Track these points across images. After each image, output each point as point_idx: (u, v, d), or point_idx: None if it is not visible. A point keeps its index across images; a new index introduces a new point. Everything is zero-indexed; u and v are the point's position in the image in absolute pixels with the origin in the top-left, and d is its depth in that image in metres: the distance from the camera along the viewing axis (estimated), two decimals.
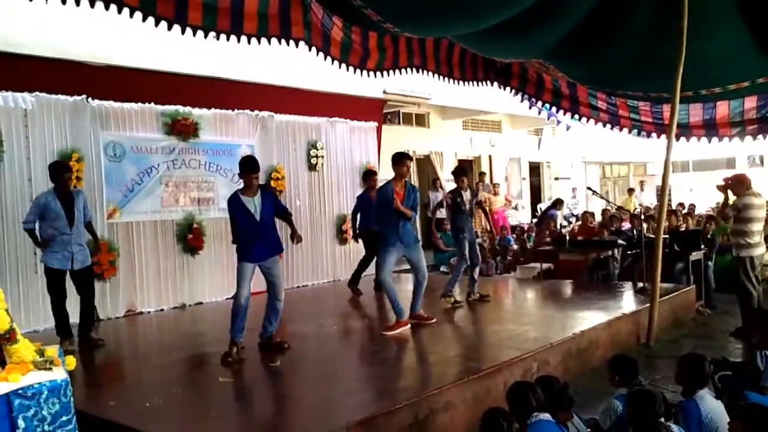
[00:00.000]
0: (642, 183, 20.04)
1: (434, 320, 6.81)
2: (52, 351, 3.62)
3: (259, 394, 5.10)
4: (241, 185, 5.86)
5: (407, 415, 4.21)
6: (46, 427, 3.21)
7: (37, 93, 7.44)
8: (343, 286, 9.46)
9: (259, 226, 5.76)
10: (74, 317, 6.55)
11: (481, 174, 16.12)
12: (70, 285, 6.45)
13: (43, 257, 6.34)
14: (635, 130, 9.63)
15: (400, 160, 6.66)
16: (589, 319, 6.76)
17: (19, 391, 3.17)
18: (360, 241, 9.33)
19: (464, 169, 8.43)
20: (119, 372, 6.01)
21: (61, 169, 6.39)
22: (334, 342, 6.66)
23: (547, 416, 3.38)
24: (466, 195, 7.87)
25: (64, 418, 3.27)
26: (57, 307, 6.34)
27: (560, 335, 6.02)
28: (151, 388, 4.99)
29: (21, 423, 3.14)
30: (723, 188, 7.36)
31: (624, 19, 6.71)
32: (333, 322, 7.47)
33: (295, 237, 6.15)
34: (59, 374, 3.36)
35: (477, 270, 8.09)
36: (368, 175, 9.50)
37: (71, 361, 3.63)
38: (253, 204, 5.76)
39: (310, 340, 6.62)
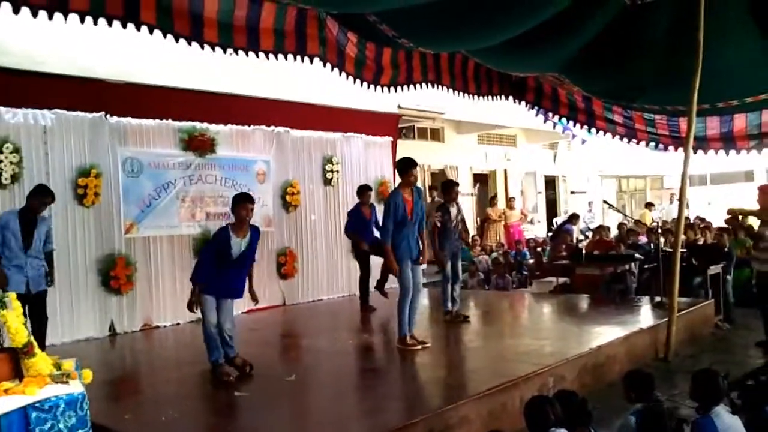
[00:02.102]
0: (672, 196, 19.77)
1: (427, 344, 6.39)
2: (69, 364, 3.65)
3: (275, 409, 5.09)
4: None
5: (422, 430, 4.19)
6: None
7: (57, 110, 7.53)
8: (357, 301, 9.44)
9: (232, 267, 5.59)
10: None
11: (492, 198, 16.03)
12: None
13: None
14: (652, 143, 9.60)
15: (407, 166, 6.35)
16: (605, 333, 6.70)
17: (37, 404, 3.18)
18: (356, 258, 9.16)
19: (453, 182, 8.26)
20: (135, 385, 6.05)
21: (44, 192, 6.24)
22: (349, 356, 6.64)
23: None
24: (453, 211, 7.72)
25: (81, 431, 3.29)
26: None
27: (576, 350, 5.97)
28: (167, 402, 5.01)
29: None
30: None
31: (640, 33, 6.71)
32: (348, 337, 7.45)
33: (253, 296, 5.92)
34: (76, 387, 3.38)
35: (458, 288, 7.78)
36: (364, 189, 9.20)
37: (88, 375, 3.65)
38: (239, 246, 5.56)
39: (325, 354, 6.61)
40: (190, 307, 5.55)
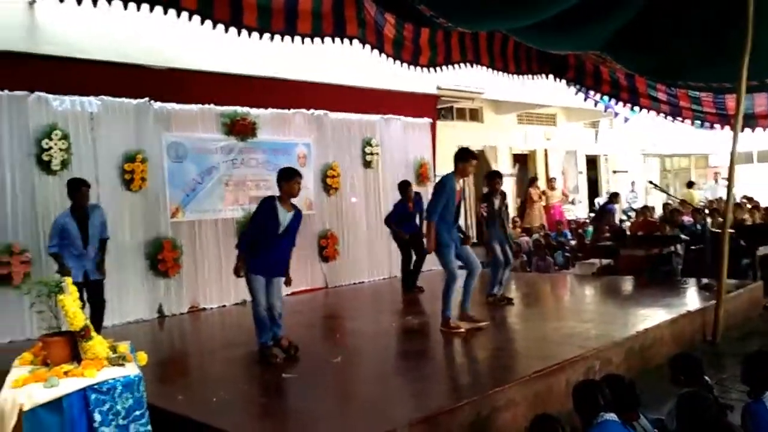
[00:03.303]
0: (716, 175, 19.33)
1: (486, 323, 6.55)
2: (124, 347, 3.75)
3: (322, 391, 5.16)
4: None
5: (469, 413, 4.20)
6: (120, 421, 3.33)
7: (103, 96, 7.69)
8: (399, 283, 9.46)
9: (280, 241, 5.56)
10: None
11: (532, 179, 15.89)
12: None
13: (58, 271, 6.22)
14: (698, 122, 9.38)
15: (467, 157, 6.37)
16: (652, 316, 6.61)
17: (95, 386, 3.30)
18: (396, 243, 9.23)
19: (496, 173, 8.21)
20: (185, 367, 6.20)
21: (80, 184, 6.36)
22: (393, 339, 6.69)
23: (613, 416, 3.32)
24: (497, 201, 7.74)
25: (138, 412, 3.39)
26: None
27: (622, 333, 5.92)
28: (217, 383, 5.12)
29: (97, 417, 3.27)
30: None
31: (685, 8, 6.52)
32: (391, 319, 7.51)
33: (287, 280, 5.84)
34: (132, 370, 3.48)
35: (508, 272, 7.86)
36: (406, 185, 9.20)
37: (143, 357, 3.74)
38: (286, 218, 5.54)
39: (369, 336, 6.66)
40: (237, 272, 5.59)
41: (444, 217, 6.29)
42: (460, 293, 6.52)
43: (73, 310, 3.50)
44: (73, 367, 3.40)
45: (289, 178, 5.57)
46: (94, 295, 6.36)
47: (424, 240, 8.12)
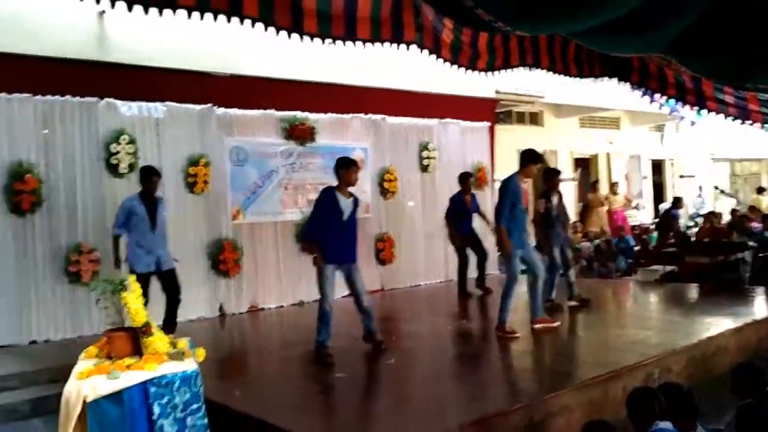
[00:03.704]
0: None
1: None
2: (184, 343, 3.89)
3: (374, 391, 5.22)
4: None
5: (522, 417, 4.18)
6: (178, 414, 3.45)
7: (168, 102, 7.96)
8: (455, 287, 9.42)
9: (344, 227, 5.72)
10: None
11: (594, 183, 15.60)
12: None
13: (128, 260, 6.44)
14: (767, 125, 9.03)
15: (533, 159, 6.44)
16: (716, 324, 6.41)
17: (155, 380, 3.43)
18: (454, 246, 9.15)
19: (555, 170, 8.15)
20: (243, 364, 6.35)
21: (151, 172, 6.59)
22: (448, 341, 6.69)
23: (668, 425, 3.25)
24: (555, 199, 7.66)
25: (195, 406, 3.50)
26: None
27: (684, 341, 5.76)
28: (273, 381, 5.24)
29: (156, 409, 3.40)
30: None
31: (752, 10, 6.30)
32: (446, 322, 7.50)
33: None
34: (190, 365, 3.60)
35: (572, 274, 7.82)
36: (466, 177, 9.18)
37: (201, 353, 3.87)
38: (347, 205, 5.73)
39: (424, 339, 6.67)
40: (315, 261, 5.66)
41: (513, 219, 6.29)
42: (524, 298, 6.50)
43: (136, 307, 3.65)
44: (135, 361, 3.55)
45: (347, 166, 5.78)
46: (169, 284, 6.52)
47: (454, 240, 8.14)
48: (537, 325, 6.50)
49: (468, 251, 9.00)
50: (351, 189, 5.88)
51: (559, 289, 7.76)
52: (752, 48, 6.69)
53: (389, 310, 9.06)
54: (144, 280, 6.25)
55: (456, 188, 9.51)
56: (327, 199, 5.72)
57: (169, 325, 6.37)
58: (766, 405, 3.41)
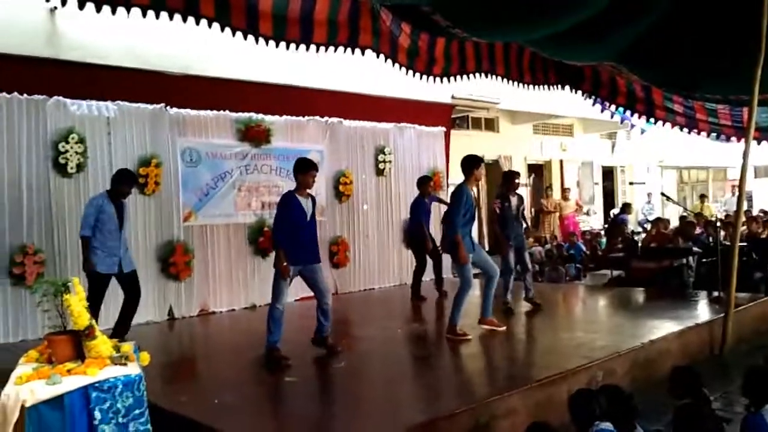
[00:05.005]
0: (734, 188, 19.17)
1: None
2: (128, 347, 3.82)
3: (323, 395, 5.21)
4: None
5: (468, 420, 4.22)
6: (120, 419, 3.38)
7: (119, 101, 7.82)
8: (409, 290, 9.48)
9: (308, 228, 5.80)
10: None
11: (547, 189, 15.92)
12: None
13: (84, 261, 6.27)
14: (714, 134, 9.33)
15: (475, 163, 6.52)
16: (660, 328, 6.57)
17: (97, 385, 3.36)
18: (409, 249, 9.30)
19: (514, 172, 8.28)
20: (191, 369, 6.26)
21: (132, 178, 6.52)
22: (398, 345, 6.71)
23: (608, 425, 3.33)
24: (513, 200, 7.78)
25: (137, 411, 3.44)
26: (92, 312, 6.08)
27: (629, 344, 5.88)
28: (221, 386, 5.16)
29: (97, 414, 3.33)
30: None
31: (700, 20, 6.51)
32: (397, 325, 7.53)
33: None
34: (134, 369, 3.54)
35: (529, 277, 7.96)
36: (426, 180, 9.29)
37: (145, 357, 3.80)
38: (308, 206, 5.80)
39: (375, 342, 6.69)
40: (284, 274, 5.64)
41: (464, 226, 6.38)
42: (474, 302, 6.58)
43: (78, 309, 3.57)
44: (76, 365, 3.47)
45: (304, 170, 5.81)
46: (131, 287, 6.40)
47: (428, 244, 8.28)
48: (483, 325, 6.63)
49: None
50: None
51: (515, 292, 7.88)
52: (700, 58, 6.94)
53: (342, 313, 9.03)
54: (104, 281, 6.24)
55: (411, 192, 9.60)
56: (289, 203, 5.76)
57: (122, 329, 6.25)
58: (703, 405, 3.53)
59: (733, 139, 9.15)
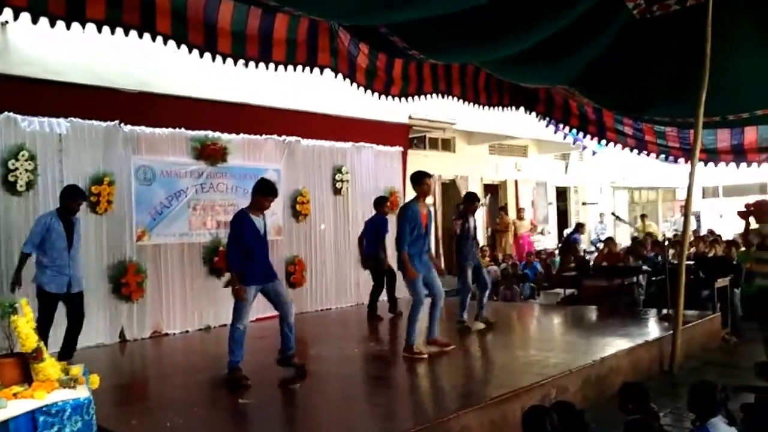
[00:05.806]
0: (682, 208, 19.75)
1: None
2: (77, 370, 3.73)
3: (278, 416, 5.15)
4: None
5: None
6: None
7: (72, 118, 7.66)
8: (365, 310, 9.47)
9: (264, 246, 5.76)
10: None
11: (502, 208, 16.20)
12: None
13: (38, 280, 6.19)
14: (662, 156, 9.61)
15: (421, 178, 6.56)
16: (611, 345, 6.71)
17: (44, 409, 3.29)
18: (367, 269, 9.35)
19: (475, 195, 8.39)
20: (143, 392, 6.13)
21: (80, 195, 6.46)
22: (354, 365, 6.69)
23: None
24: (472, 221, 7.91)
25: None
26: (42, 333, 5.64)
27: (581, 362, 5.99)
28: (174, 408, 5.07)
29: None
30: (744, 215, 7.30)
31: (648, 46, 6.74)
32: (354, 345, 7.52)
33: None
34: (83, 393, 3.47)
35: (486, 295, 8.06)
36: (383, 200, 9.40)
37: (95, 380, 3.71)
38: (261, 223, 5.75)
39: (331, 362, 6.66)
40: (240, 295, 5.55)
41: (413, 243, 6.40)
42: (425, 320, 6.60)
43: (26, 331, 3.49)
44: (23, 389, 3.38)
45: (264, 193, 5.73)
46: (75, 308, 6.28)
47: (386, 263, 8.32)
48: (431, 347, 6.60)
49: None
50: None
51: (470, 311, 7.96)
52: (649, 82, 7.18)
53: (299, 333, 8.82)
54: (54, 302, 6.11)
55: (369, 212, 9.62)
56: (243, 222, 5.68)
57: (68, 352, 6.11)
58: (650, 420, 3.62)
59: (681, 160, 9.43)
